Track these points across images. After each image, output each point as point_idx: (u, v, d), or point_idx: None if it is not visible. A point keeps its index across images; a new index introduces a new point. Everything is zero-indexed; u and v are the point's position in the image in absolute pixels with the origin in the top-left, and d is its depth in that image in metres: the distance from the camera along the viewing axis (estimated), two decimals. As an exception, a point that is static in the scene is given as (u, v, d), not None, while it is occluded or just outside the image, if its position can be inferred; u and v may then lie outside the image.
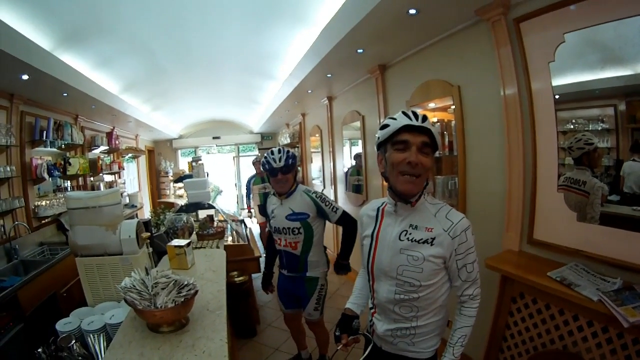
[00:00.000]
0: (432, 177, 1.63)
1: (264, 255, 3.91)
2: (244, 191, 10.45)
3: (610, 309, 1.86)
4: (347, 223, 3.13)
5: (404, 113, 1.62)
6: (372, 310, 1.92)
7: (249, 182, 8.16)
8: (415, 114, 1.61)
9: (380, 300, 1.80)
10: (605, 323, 2.00)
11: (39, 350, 1.96)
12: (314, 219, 3.08)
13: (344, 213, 3.11)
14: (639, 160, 2.11)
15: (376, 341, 1.90)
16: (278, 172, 2.99)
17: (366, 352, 1.80)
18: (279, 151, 3.03)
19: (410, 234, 1.69)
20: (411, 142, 1.59)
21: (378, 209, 1.86)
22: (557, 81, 2.45)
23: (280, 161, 2.98)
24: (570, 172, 2.43)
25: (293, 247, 3.11)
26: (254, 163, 7.79)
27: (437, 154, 1.67)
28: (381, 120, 1.74)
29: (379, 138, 1.70)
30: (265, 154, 3.06)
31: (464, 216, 1.68)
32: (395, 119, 1.63)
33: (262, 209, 4.43)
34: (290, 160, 3.03)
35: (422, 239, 1.66)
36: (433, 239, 1.65)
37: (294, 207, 3.06)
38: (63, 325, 2.16)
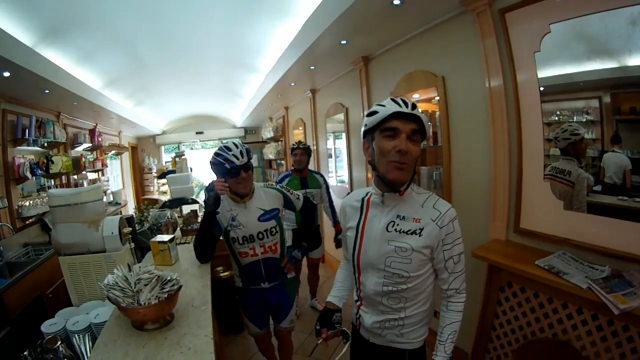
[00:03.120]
0: (417, 168, 1.60)
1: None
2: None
3: (600, 296, 1.87)
4: (308, 206, 3.03)
5: (393, 100, 1.57)
6: (358, 303, 1.89)
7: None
8: (404, 101, 1.56)
9: (368, 292, 1.77)
10: (594, 310, 2.01)
11: (25, 353, 1.92)
12: (281, 212, 2.84)
13: (305, 197, 3.02)
14: (618, 151, 2.13)
15: (364, 334, 1.88)
16: (241, 170, 2.56)
17: (342, 352, 1.72)
18: (236, 145, 2.59)
19: (397, 224, 1.66)
20: (401, 130, 1.54)
21: (362, 199, 1.81)
22: (543, 73, 2.45)
23: (242, 156, 2.56)
24: (556, 162, 2.44)
25: (274, 250, 2.76)
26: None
27: (421, 145, 1.62)
28: (365, 112, 1.70)
29: (366, 125, 1.64)
30: (219, 151, 2.61)
31: (451, 206, 1.66)
32: (384, 105, 1.57)
33: None
34: (250, 154, 2.65)
35: (410, 229, 1.63)
36: (421, 229, 1.61)
37: (264, 205, 2.72)
38: (48, 327, 2.11)
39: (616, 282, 1.93)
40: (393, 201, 1.68)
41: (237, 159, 2.53)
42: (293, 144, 4.62)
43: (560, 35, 2.30)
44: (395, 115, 1.54)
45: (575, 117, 2.35)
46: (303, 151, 4.53)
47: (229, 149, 2.55)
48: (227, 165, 2.53)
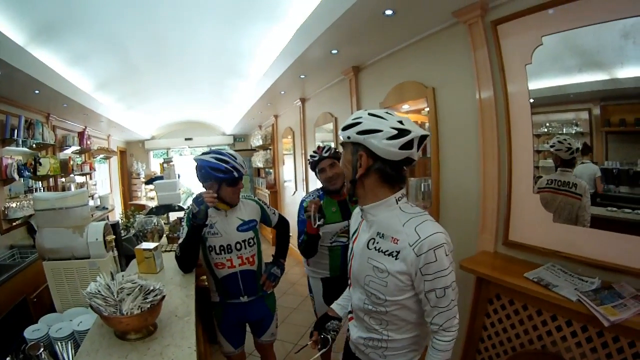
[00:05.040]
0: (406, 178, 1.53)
1: None
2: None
3: (590, 308, 1.87)
4: (283, 223, 2.96)
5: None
6: (350, 316, 1.86)
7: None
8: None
9: (354, 307, 1.75)
10: (584, 322, 2.01)
11: (7, 359, 1.90)
12: (258, 225, 2.77)
13: (280, 214, 2.98)
14: (586, 161, 2.24)
15: (351, 347, 1.85)
16: (240, 180, 2.57)
17: (314, 358, 1.72)
18: (234, 157, 2.54)
19: (377, 242, 1.56)
20: None
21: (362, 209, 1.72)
22: (533, 85, 2.47)
23: (243, 167, 2.55)
24: (554, 174, 2.45)
25: (251, 262, 2.68)
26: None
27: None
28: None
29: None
30: (221, 157, 2.51)
31: (438, 231, 1.46)
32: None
33: None
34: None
35: (387, 250, 1.51)
36: (398, 252, 1.48)
37: (243, 216, 2.67)
38: (31, 333, 2.08)
39: (606, 294, 1.93)
40: (372, 215, 1.60)
41: (243, 168, 2.55)
42: (313, 153, 3.05)
43: (552, 48, 2.32)
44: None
45: (564, 129, 2.37)
46: (332, 160, 2.97)
47: (235, 157, 2.52)
48: (235, 174, 2.49)
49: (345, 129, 1.56)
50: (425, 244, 1.42)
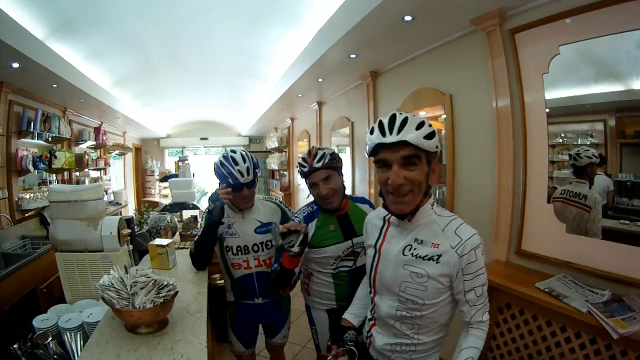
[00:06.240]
0: (431, 182, 1.43)
1: None
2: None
3: (599, 320, 1.87)
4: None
5: (380, 124, 1.44)
6: (371, 323, 1.80)
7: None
8: (392, 122, 1.41)
9: (381, 314, 1.69)
10: (593, 334, 1.99)
11: (15, 346, 1.90)
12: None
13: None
14: (601, 173, 2.26)
15: (373, 354, 1.80)
16: (244, 187, 2.38)
17: None
18: (244, 159, 2.35)
19: (415, 248, 1.53)
20: (390, 160, 1.42)
21: (384, 217, 1.70)
22: (549, 94, 2.46)
23: (248, 174, 2.35)
24: (568, 185, 2.43)
25: (268, 264, 2.55)
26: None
27: (435, 156, 1.49)
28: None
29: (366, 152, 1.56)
30: (225, 162, 2.36)
31: (475, 232, 1.48)
32: (372, 132, 1.47)
33: None
34: (257, 171, 2.43)
35: (427, 255, 1.49)
36: (439, 255, 1.47)
37: (261, 218, 2.53)
38: (40, 322, 2.09)
39: (616, 307, 1.93)
40: (411, 223, 1.56)
41: (242, 176, 2.33)
42: (302, 161, 2.33)
43: (568, 57, 2.32)
44: (382, 146, 1.43)
45: (579, 140, 2.36)
46: (327, 171, 2.27)
47: (236, 162, 2.33)
48: (230, 180, 2.34)
49: (411, 136, 1.39)
50: (467, 245, 1.44)
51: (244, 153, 2.41)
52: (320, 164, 2.24)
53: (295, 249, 2.02)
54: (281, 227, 2.04)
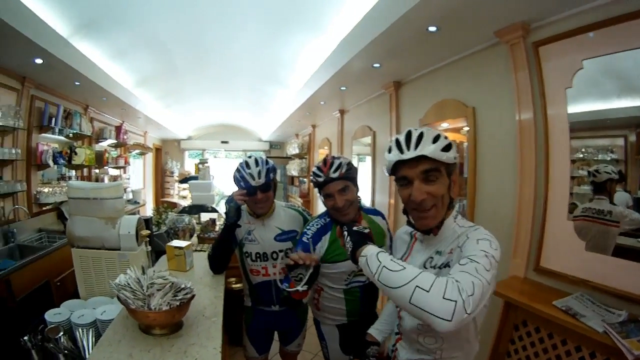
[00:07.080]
0: (454, 195, 1.38)
1: None
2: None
3: (615, 340, 1.84)
4: None
5: (397, 142, 1.44)
6: (397, 337, 1.79)
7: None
8: (408, 138, 1.41)
9: (405, 328, 1.67)
10: (607, 355, 1.96)
11: (25, 338, 1.89)
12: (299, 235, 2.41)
13: None
14: (619, 189, 2.24)
15: None
16: (257, 190, 2.35)
17: None
18: (257, 163, 2.34)
19: (434, 260, 1.52)
20: (410, 177, 1.41)
21: (411, 232, 1.70)
22: (572, 109, 2.44)
23: (259, 177, 2.32)
24: (589, 203, 2.39)
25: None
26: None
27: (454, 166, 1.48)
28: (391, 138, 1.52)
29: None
30: (239, 166, 2.39)
31: (488, 233, 1.42)
32: (390, 151, 1.46)
33: None
34: (271, 175, 2.39)
35: (443, 263, 1.47)
36: (452, 260, 1.44)
37: (282, 225, 2.51)
38: (52, 316, 2.10)
39: (632, 327, 1.90)
40: (435, 239, 1.55)
41: (253, 179, 2.31)
42: (316, 170, 2.21)
43: (592, 72, 2.29)
44: (401, 163, 1.43)
45: (599, 155, 2.33)
46: (344, 182, 2.17)
47: (248, 166, 2.33)
48: (242, 184, 2.36)
49: (429, 149, 1.39)
50: (470, 234, 1.41)
51: (258, 158, 2.40)
52: (337, 174, 2.13)
53: (303, 287, 1.88)
54: (289, 257, 1.92)
